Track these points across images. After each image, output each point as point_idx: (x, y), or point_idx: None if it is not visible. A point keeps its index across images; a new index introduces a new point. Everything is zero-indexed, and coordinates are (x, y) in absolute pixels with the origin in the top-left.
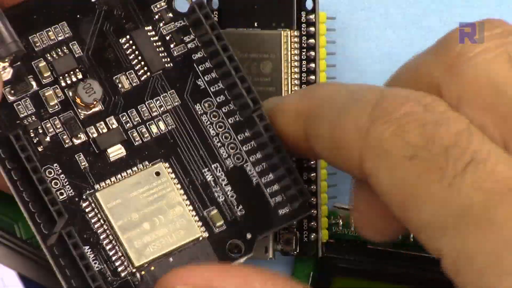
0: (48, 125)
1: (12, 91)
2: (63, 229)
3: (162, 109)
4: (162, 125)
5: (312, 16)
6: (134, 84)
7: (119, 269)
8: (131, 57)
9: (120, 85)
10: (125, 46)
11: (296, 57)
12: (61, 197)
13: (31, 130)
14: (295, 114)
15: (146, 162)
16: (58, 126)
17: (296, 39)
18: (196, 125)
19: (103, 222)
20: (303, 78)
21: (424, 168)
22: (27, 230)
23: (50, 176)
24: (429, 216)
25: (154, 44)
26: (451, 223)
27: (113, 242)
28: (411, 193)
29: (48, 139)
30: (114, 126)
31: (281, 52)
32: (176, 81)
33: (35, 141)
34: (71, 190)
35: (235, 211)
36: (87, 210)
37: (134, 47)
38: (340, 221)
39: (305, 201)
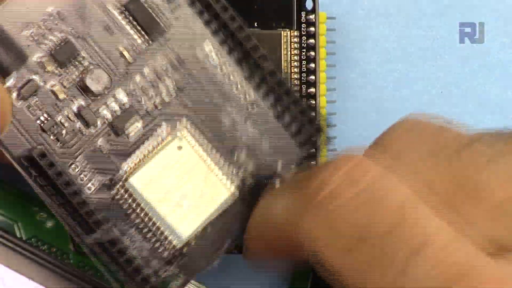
0: (63, 120)
1: (19, 97)
2: (105, 238)
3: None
4: (169, 83)
5: (312, 16)
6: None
7: (159, 250)
8: (128, 26)
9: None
10: (121, 17)
11: (296, 57)
12: (89, 191)
13: (47, 130)
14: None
15: (164, 126)
16: (72, 119)
17: (296, 39)
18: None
19: (135, 208)
20: (303, 78)
21: (372, 255)
22: (27, 230)
23: (76, 171)
24: None
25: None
26: None
27: (150, 225)
28: (363, 277)
29: (64, 132)
30: (125, 101)
31: (281, 52)
32: None
33: (52, 139)
34: (100, 180)
35: (260, 150)
36: (117, 197)
37: (131, 17)
38: None
39: (319, 124)
